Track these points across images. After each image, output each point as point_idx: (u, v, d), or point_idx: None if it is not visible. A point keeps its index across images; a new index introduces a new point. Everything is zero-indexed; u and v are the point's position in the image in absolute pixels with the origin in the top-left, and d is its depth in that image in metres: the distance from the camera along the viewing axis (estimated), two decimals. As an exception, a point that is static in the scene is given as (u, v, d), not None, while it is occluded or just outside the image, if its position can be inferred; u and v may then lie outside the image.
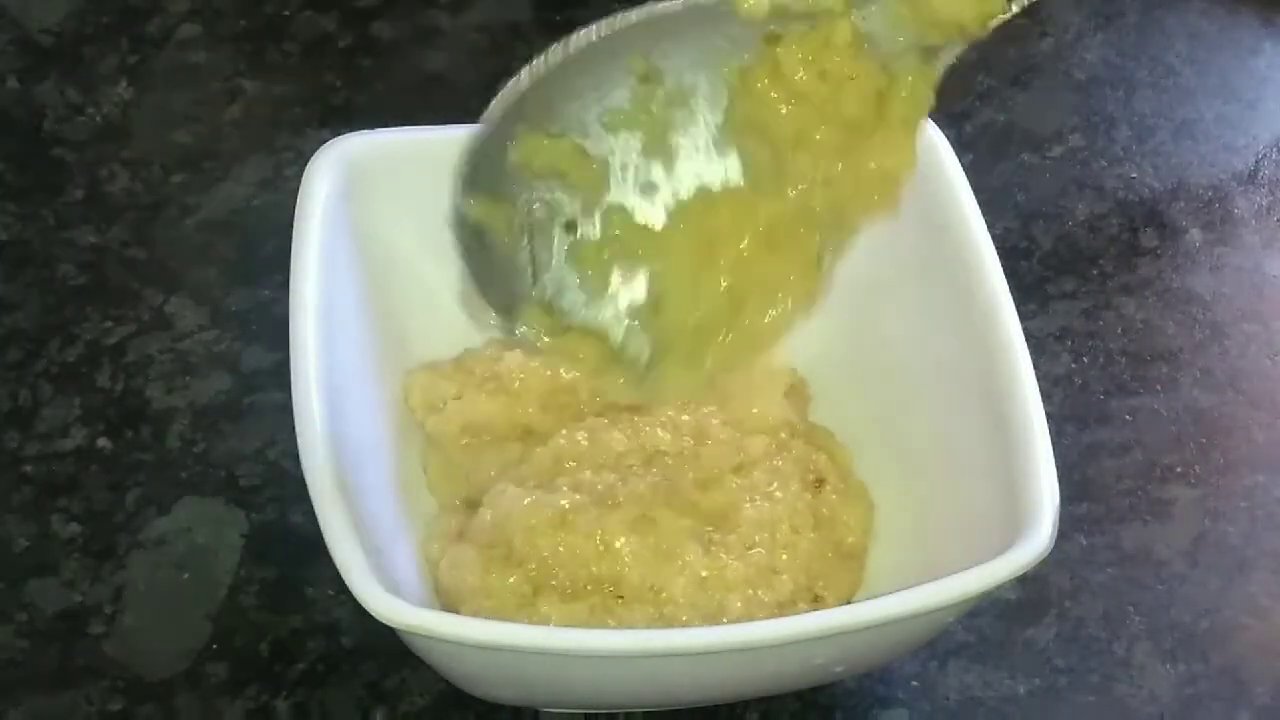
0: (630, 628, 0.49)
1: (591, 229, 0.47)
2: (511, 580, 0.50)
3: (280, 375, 0.50)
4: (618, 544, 0.50)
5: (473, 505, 0.52)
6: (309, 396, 0.48)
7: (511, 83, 0.46)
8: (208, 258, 0.65)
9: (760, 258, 0.47)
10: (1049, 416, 0.48)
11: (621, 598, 0.50)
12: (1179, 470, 0.60)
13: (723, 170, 0.47)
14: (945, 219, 0.54)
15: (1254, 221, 0.69)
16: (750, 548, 0.51)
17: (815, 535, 0.52)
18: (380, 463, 0.52)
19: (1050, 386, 0.58)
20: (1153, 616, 0.55)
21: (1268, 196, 0.70)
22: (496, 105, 0.46)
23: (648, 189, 0.47)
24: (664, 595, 0.50)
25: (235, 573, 0.56)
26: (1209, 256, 0.67)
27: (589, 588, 0.50)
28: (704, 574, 0.50)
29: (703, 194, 0.47)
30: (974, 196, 0.54)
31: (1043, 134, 0.72)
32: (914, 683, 0.54)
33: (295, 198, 0.53)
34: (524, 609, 0.50)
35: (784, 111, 0.46)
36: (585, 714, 0.53)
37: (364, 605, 0.44)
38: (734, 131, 0.47)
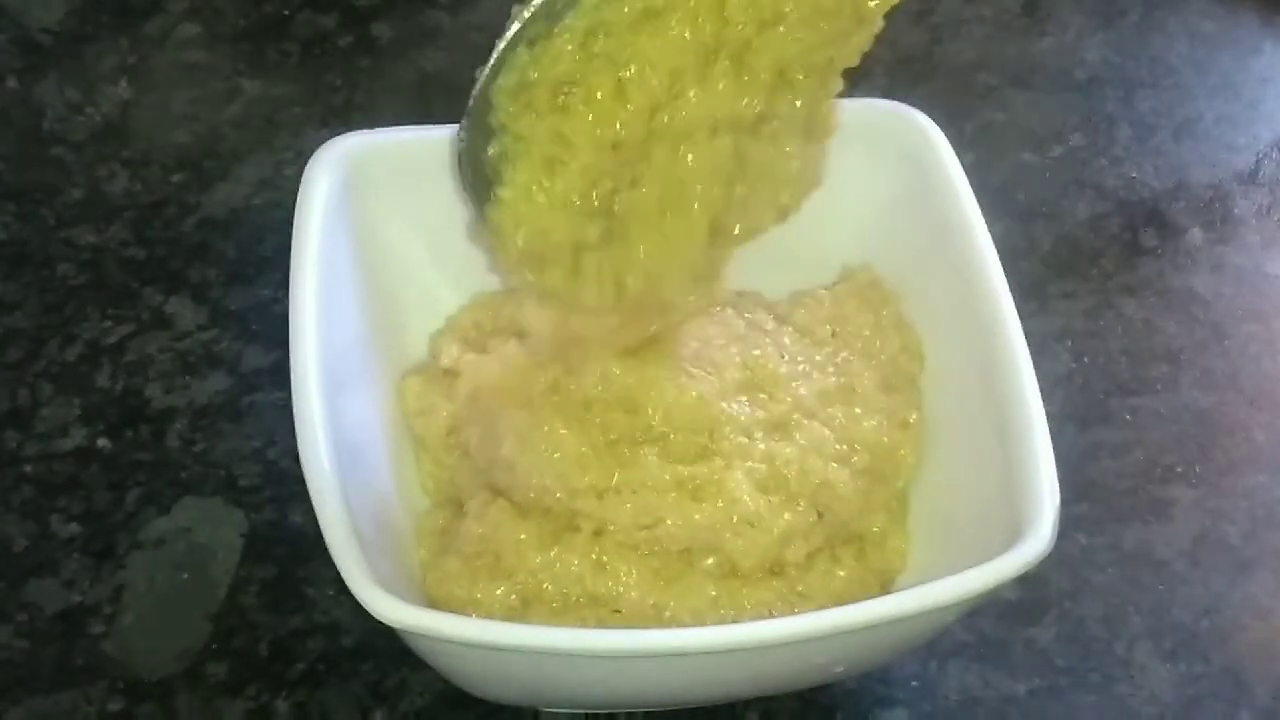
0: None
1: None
2: (499, 591, 0.49)
3: (280, 375, 0.50)
4: (616, 565, 0.49)
5: (458, 506, 0.52)
6: (308, 396, 0.48)
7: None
8: (207, 257, 0.65)
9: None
10: (1049, 416, 0.48)
11: (619, 612, 0.49)
12: (1179, 470, 0.60)
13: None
14: (945, 219, 0.54)
15: (1254, 221, 0.69)
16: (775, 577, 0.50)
17: (857, 564, 0.51)
18: (380, 462, 0.52)
19: (1050, 386, 0.58)
20: (1153, 616, 0.55)
21: (1268, 196, 0.70)
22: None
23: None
24: (667, 615, 0.49)
25: (235, 572, 0.56)
26: (1209, 256, 0.67)
27: (581, 601, 0.49)
28: (713, 593, 0.49)
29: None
30: (974, 196, 0.54)
31: (1043, 134, 0.72)
32: (914, 683, 0.54)
33: (295, 197, 0.53)
34: (513, 620, 0.49)
35: None
36: (585, 714, 0.53)
37: (364, 605, 0.44)
38: None
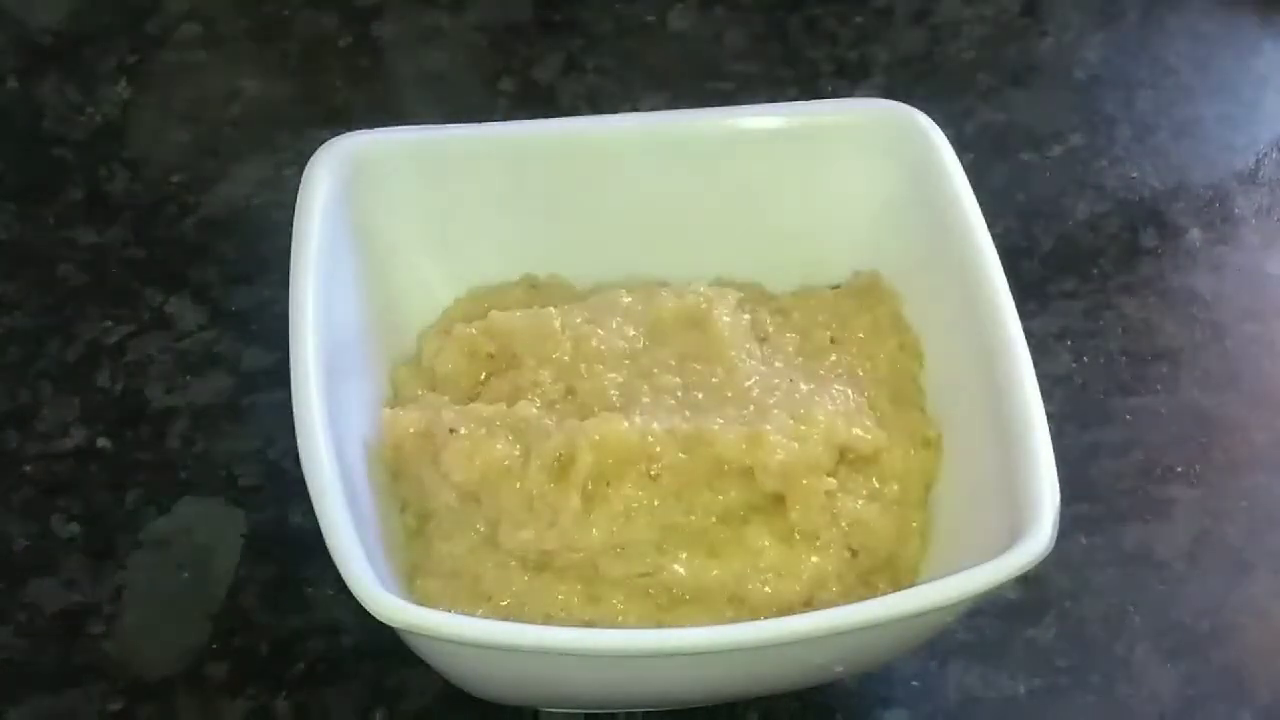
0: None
1: None
2: (480, 613, 0.48)
3: (280, 375, 0.50)
4: (610, 596, 0.49)
5: (424, 515, 0.51)
6: (309, 396, 0.48)
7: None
8: (207, 257, 0.65)
9: None
10: (1049, 416, 0.48)
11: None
12: (1179, 470, 0.59)
13: None
14: (945, 219, 0.54)
15: (1254, 221, 0.69)
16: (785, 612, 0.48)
17: (889, 588, 0.50)
18: (378, 460, 0.52)
19: (1050, 386, 0.58)
20: (1153, 616, 0.55)
21: (1268, 196, 0.70)
22: None
23: None
24: None
25: (235, 572, 0.56)
26: (1209, 256, 0.67)
27: (572, 625, 0.48)
28: (729, 616, 0.49)
29: None
30: (974, 196, 0.54)
31: (1043, 134, 0.72)
32: (914, 683, 0.53)
33: (295, 197, 0.53)
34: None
35: None
36: (585, 714, 0.53)
37: (364, 605, 0.44)
38: None
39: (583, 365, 0.52)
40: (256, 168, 0.69)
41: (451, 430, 0.50)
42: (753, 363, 0.52)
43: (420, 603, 0.48)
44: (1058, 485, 0.46)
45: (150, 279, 0.65)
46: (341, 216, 0.54)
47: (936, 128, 0.56)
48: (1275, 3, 0.78)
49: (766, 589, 0.48)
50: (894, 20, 0.76)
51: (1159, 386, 0.62)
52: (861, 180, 0.57)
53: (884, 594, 0.49)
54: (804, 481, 0.48)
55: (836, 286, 0.57)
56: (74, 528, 0.57)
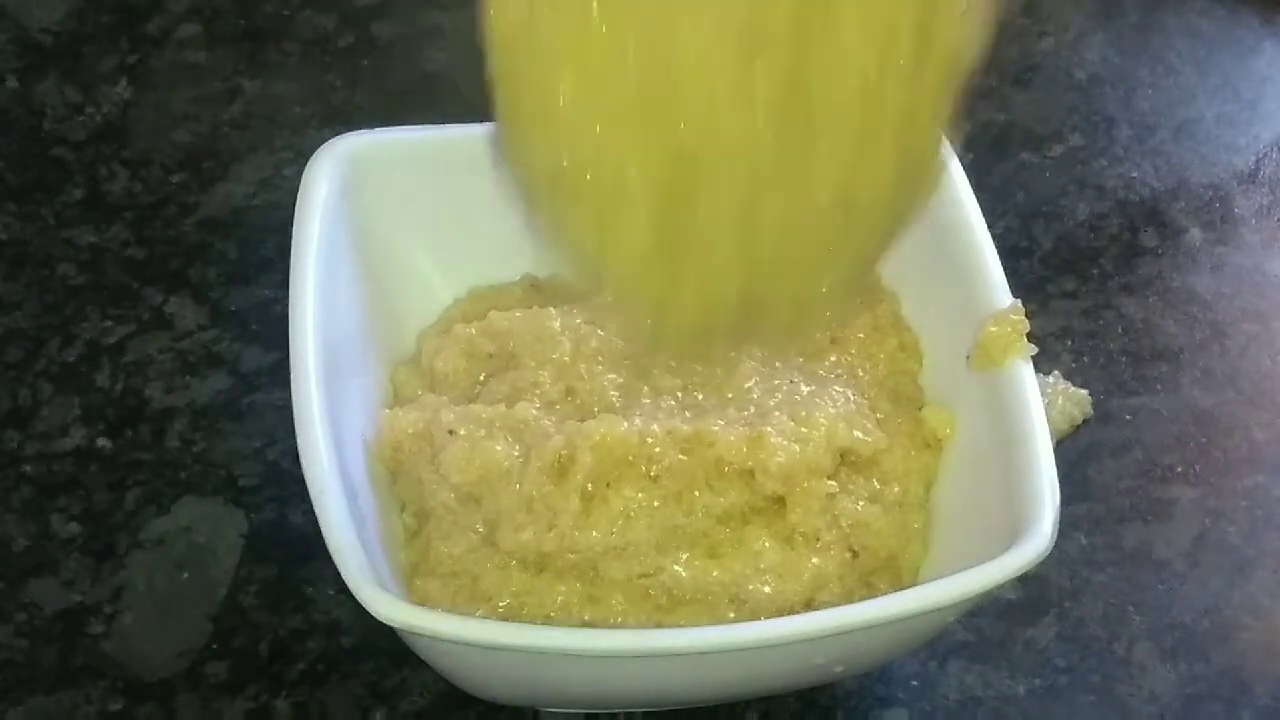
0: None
1: None
2: (479, 614, 0.48)
3: (280, 374, 0.50)
4: (609, 596, 0.48)
5: (423, 515, 0.51)
6: (309, 396, 0.48)
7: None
8: (207, 257, 0.65)
9: None
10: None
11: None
12: (1179, 470, 0.60)
13: None
14: (945, 219, 0.54)
15: (1254, 221, 0.69)
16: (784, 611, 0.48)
17: (889, 590, 0.50)
18: (377, 461, 0.52)
19: (1050, 386, 0.58)
20: (1153, 616, 0.55)
21: (1268, 196, 0.70)
22: None
23: None
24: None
25: (235, 572, 0.56)
26: (1209, 256, 0.67)
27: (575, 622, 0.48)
28: (731, 615, 0.49)
29: None
30: (974, 196, 0.54)
31: (1043, 133, 0.72)
32: (914, 682, 0.53)
33: (295, 197, 0.53)
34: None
35: None
36: (585, 714, 0.53)
37: (364, 604, 0.44)
38: None
39: (582, 366, 0.52)
40: (256, 168, 0.69)
41: (451, 431, 0.50)
42: (753, 364, 0.52)
43: (420, 603, 0.48)
44: (1058, 485, 0.46)
45: (150, 279, 0.65)
46: (341, 216, 0.54)
47: (935, 128, 0.56)
48: (1276, 3, 0.78)
49: (767, 590, 0.48)
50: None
51: (1159, 386, 0.62)
52: (861, 180, 0.57)
53: (884, 594, 0.49)
54: (805, 484, 0.48)
55: (836, 286, 0.57)
56: (74, 528, 0.57)
